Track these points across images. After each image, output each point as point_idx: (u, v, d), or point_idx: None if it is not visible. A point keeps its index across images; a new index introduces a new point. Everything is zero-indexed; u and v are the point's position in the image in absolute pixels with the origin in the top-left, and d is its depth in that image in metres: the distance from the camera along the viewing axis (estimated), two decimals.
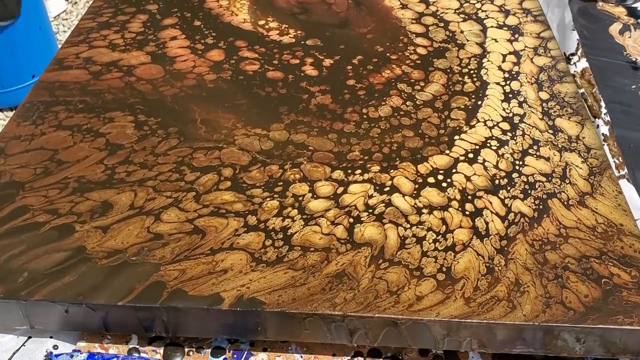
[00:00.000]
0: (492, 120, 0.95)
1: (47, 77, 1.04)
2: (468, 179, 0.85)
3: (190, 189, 0.83)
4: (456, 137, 0.92)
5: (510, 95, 1.00)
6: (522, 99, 1.00)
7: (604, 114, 1.00)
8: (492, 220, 0.79)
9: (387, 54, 1.10)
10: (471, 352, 0.72)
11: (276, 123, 0.94)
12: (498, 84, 1.04)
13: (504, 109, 0.98)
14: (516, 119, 0.96)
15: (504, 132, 0.93)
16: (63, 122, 0.94)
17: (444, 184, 0.84)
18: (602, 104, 1.02)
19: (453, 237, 0.76)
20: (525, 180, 0.85)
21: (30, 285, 0.70)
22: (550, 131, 0.93)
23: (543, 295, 0.70)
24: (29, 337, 0.75)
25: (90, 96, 0.99)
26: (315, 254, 0.74)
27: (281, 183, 0.84)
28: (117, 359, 0.71)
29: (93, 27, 1.17)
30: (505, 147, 0.90)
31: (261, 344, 0.75)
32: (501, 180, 0.85)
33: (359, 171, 0.86)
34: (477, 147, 0.90)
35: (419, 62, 1.09)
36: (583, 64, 1.09)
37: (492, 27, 1.19)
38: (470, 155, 0.89)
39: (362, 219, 0.78)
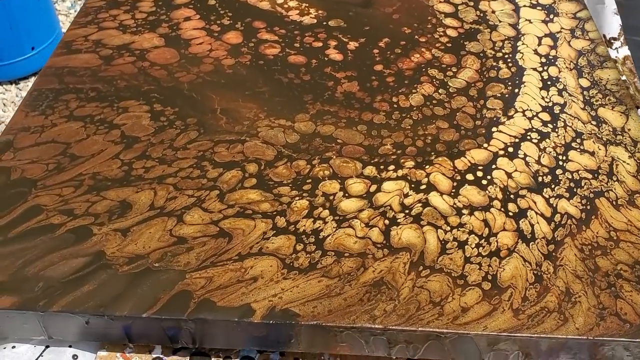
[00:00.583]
0: (531, 110, 0.89)
1: (55, 62, 0.98)
2: (509, 175, 0.79)
3: (213, 187, 0.77)
4: (494, 129, 0.86)
5: (549, 83, 0.94)
6: (561, 87, 0.94)
7: None
8: (538, 222, 0.74)
9: (416, 36, 1.04)
10: None
11: (301, 113, 0.88)
12: (535, 69, 0.97)
13: (542, 98, 0.92)
14: (556, 109, 0.90)
15: (544, 123, 0.87)
16: (75, 112, 0.88)
17: (484, 182, 0.78)
18: None
19: (497, 241, 0.71)
20: (570, 177, 0.80)
21: (47, 295, 0.66)
22: (594, 122, 0.88)
23: (596, 306, 0.65)
24: (47, 347, 0.71)
25: (102, 83, 0.93)
26: (351, 259, 0.69)
27: (310, 180, 0.78)
28: None
29: (102, 6, 1.10)
30: (547, 140, 0.85)
31: (292, 354, 0.71)
32: (544, 177, 0.79)
33: (392, 167, 0.80)
34: (517, 140, 0.85)
35: (450, 45, 1.02)
36: (625, 51, 1.02)
37: (524, 6, 1.12)
38: (510, 150, 0.83)
39: (399, 220, 0.73)
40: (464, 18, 1.09)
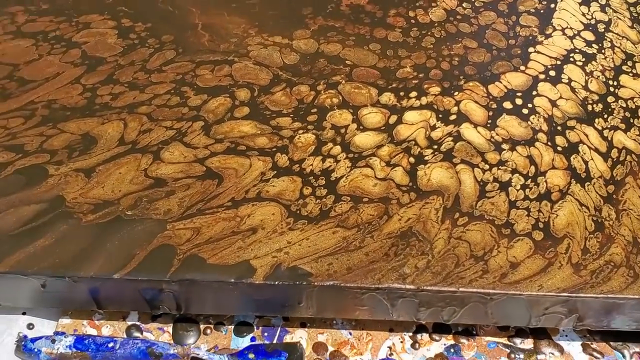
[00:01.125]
0: (571, 28, 0.75)
1: None
2: (554, 104, 0.66)
3: (196, 117, 0.63)
4: (531, 49, 0.72)
5: None
6: (603, 2, 0.79)
7: None
8: (592, 159, 0.61)
9: None
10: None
11: (300, 29, 0.73)
12: None
13: (583, 14, 0.77)
14: (600, 27, 0.76)
15: (588, 43, 0.74)
16: (22, 28, 0.71)
17: (525, 111, 0.65)
18: None
19: (546, 181, 0.59)
20: (624, 105, 0.67)
21: None
22: None
23: None
24: None
25: None
26: (371, 206, 0.56)
27: (315, 110, 0.64)
28: (114, 343, 0.54)
29: None
30: (593, 62, 0.71)
31: (298, 319, 0.58)
32: (594, 105, 0.66)
33: (414, 94, 0.66)
34: (559, 62, 0.71)
35: None
36: None
37: None
38: (552, 73, 0.69)
39: (426, 157, 0.60)
40: None
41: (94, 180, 0.57)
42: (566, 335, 0.58)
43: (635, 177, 0.60)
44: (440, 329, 0.58)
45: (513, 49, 0.72)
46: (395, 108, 0.65)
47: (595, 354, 0.57)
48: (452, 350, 0.57)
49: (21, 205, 0.55)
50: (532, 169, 0.60)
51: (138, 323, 0.58)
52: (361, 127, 0.63)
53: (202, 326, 0.58)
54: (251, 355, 0.53)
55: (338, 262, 0.52)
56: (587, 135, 0.64)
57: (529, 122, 0.64)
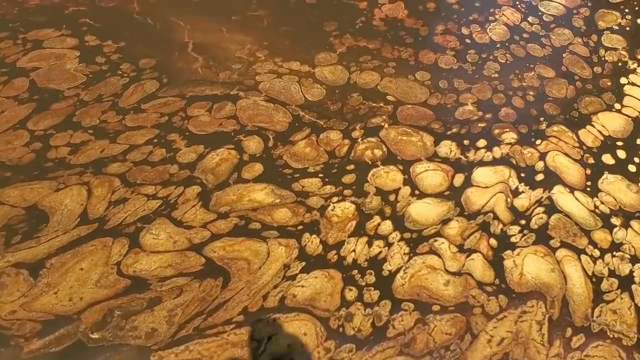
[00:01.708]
0: None
1: None
2: None
3: (190, 179, 0.46)
4: (623, 79, 0.56)
5: None
6: None
7: None
8: None
9: None
10: None
11: (323, 52, 0.58)
12: None
13: None
14: None
15: None
16: None
17: (632, 168, 0.49)
18: None
19: None
20: None
21: None
22: None
23: None
24: None
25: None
26: (445, 318, 0.39)
27: (352, 166, 0.47)
28: None
29: None
30: None
31: None
32: None
33: (482, 142, 0.50)
34: None
35: None
36: None
37: None
38: None
39: (513, 239, 0.43)
40: None
41: (42, 281, 0.40)
42: None
43: None
44: None
45: (601, 79, 0.56)
46: (460, 163, 0.48)
47: None
48: None
49: None
50: None
51: None
52: (417, 192, 0.46)
53: None
54: None
55: None
56: None
57: None
